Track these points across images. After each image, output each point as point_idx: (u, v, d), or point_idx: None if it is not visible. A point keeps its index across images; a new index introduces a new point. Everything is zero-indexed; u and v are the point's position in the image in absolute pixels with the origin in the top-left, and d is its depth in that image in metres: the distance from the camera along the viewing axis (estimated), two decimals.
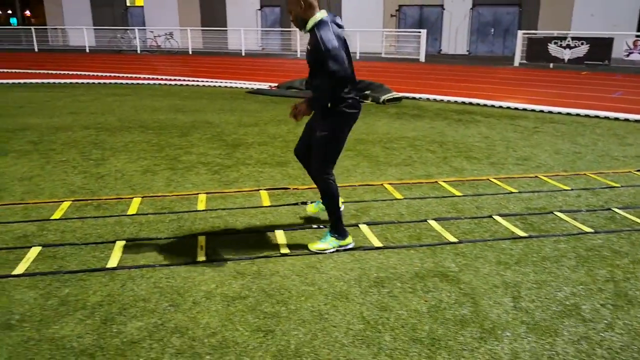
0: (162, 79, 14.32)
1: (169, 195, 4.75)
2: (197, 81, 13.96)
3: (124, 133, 7.38)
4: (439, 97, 11.06)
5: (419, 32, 21.20)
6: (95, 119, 8.41)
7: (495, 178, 5.41)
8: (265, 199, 4.67)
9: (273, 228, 4.02)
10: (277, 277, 3.24)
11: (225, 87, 13.20)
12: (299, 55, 22.41)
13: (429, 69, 17.63)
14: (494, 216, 4.34)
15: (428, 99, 10.99)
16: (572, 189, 5.07)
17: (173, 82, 13.80)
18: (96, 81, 13.96)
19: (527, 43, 18.91)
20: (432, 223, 4.17)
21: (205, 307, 2.89)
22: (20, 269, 3.31)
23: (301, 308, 2.90)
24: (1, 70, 16.30)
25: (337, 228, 3.64)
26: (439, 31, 25.60)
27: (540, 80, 14.59)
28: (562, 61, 18.17)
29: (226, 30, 26.99)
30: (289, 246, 3.68)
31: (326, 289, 3.11)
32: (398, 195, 4.78)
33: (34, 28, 26.24)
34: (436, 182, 5.24)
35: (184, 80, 14.20)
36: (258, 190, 4.90)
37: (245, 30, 24.71)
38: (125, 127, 7.77)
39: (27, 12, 62.41)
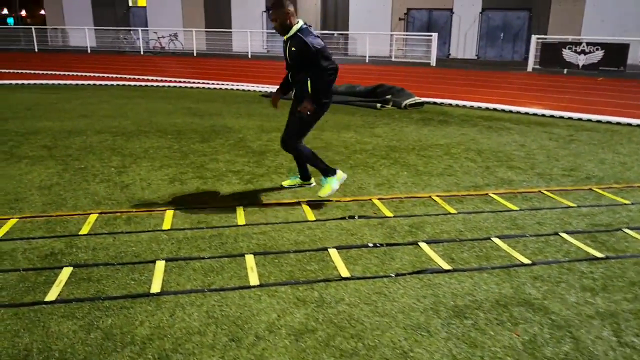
0: (170, 81, 13.94)
1: (203, 208, 4.38)
2: (208, 84, 13.59)
3: (141, 138, 7.00)
4: (460, 103, 10.72)
5: (430, 35, 20.88)
6: (109, 123, 8.03)
7: (547, 190, 5.06)
8: (308, 212, 4.30)
9: (324, 246, 3.65)
10: (344, 306, 2.87)
11: (238, 89, 12.84)
12: None
13: (442, 73, 17.30)
14: (560, 233, 3.99)
15: (450, 104, 10.65)
16: (632, 203, 4.73)
17: (182, 85, 13.43)
18: (102, 82, 13.57)
19: (540, 48, 18.62)
20: (497, 241, 3.81)
21: (271, 343, 2.53)
22: (53, 294, 2.94)
23: (380, 344, 2.54)
24: (2, 70, 15.89)
25: (327, 171, 4.47)
26: (447, 35, 25.29)
27: (559, 86, 14.28)
28: (577, 67, 17.86)
29: (231, 32, 26.62)
30: (348, 268, 3.32)
31: (402, 320, 2.75)
32: (451, 209, 4.42)
33: (34, 28, 25.79)
34: (487, 194, 4.88)
35: (194, 82, 13.83)
36: (299, 202, 4.53)
37: (251, 32, 24.35)
38: (141, 132, 7.40)
39: (23, 12, 61.98)
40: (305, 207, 4.42)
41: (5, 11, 71.95)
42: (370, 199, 4.65)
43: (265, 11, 28.33)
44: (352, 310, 2.83)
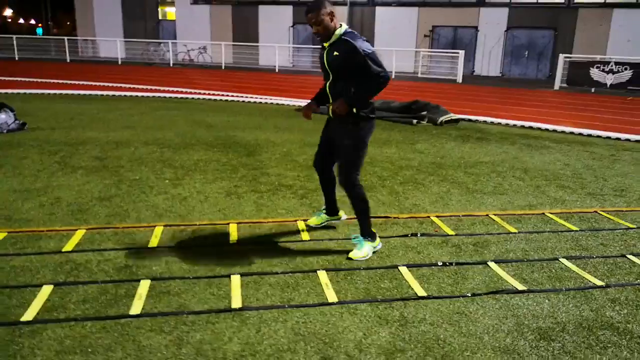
0: (204, 94, 14.13)
1: (265, 222, 4.41)
2: (241, 97, 13.74)
3: (188, 150, 7.09)
4: (495, 120, 10.69)
5: (457, 52, 20.91)
6: (154, 135, 8.15)
7: (602, 211, 5.01)
8: None
9: (394, 264, 3.65)
10: (427, 325, 2.87)
11: (271, 103, 12.96)
12: None
13: (470, 90, 17.28)
14: (627, 255, 3.94)
15: (485, 122, 10.62)
16: None
17: (217, 97, 13.59)
18: (137, 94, 13.80)
19: (567, 67, 18.53)
20: (565, 262, 3.78)
21: None
22: (137, 307, 2.97)
23: None
24: (39, 80, 16.25)
25: (369, 231, 3.81)
26: (472, 52, 25.30)
27: (590, 104, 14.17)
28: (604, 86, 17.74)
29: (259, 46, 26.94)
30: (422, 286, 3.31)
31: (489, 341, 2.73)
32: (511, 229, 4.40)
33: (67, 38, 26.38)
34: (543, 213, 4.85)
35: (227, 95, 13.99)
36: (357, 218, 4.54)
37: (279, 46, 24.63)
38: (187, 144, 7.49)
39: (50, 23, 63.49)
40: None
41: (32, 21, 73.83)
42: (428, 216, 4.65)
43: (292, 26, 28.67)
44: (437, 330, 2.82)
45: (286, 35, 28.73)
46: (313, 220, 4.32)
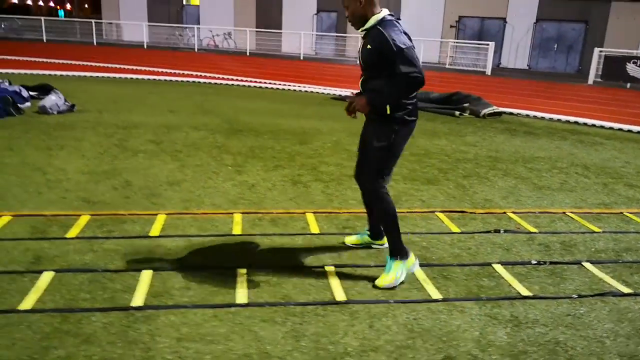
0: (236, 80, 14.04)
1: (340, 213, 4.34)
2: (273, 83, 13.64)
3: (239, 137, 7.03)
4: (537, 114, 10.50)
5: (487, 44, 20.61)
6: (200, 120, 8.10)
7: None
8: (449, 223, 4.23)
9: (486, 261, 3.57)
10: (542, 327, 2.79)
11: (306, 91, 12.85)
12: (356, 62, 21.94)
13: (501, 83, 17.04)
14: None
15: (527, 115, 10.45)
16: None
17: (249, 84, 13.50)
18: (172, 78, 13.75)
19: (601, 61, 18.20)
20: None
21: None
22: (242, 296, 2.93)
23: None
24: (70, 62, 16.25)
25: (400, 249, 3.19)
26: (499, 44, 24.91)
27: (629, 100, 13.91)
28: None
29: (284, 33, 26.74)
30: (523, 285, 3.23)
31: (612, 346, 2.65)
32: (594, 228, 4.30)
33: (94, 21, 26.34)
34: (621, 213, 4.74)
35: (258, 81, 13.88)
36: (433, 212, 4.47)
37: (304, 34, 24.43)
38: (236, 130, 7.43)
39: (68, 6, 63.61)
40: (443, 217, 4.36)
41: (51, 4, 73.98)
42: (504, 212, 4.55)
43: (316, 14, 28.41)
44: (554, 333, 2.74)
45: (310, 22, 28.48)
46: (351, 239, 3.71)
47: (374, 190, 3.21)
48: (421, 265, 3.44)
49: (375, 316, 2.81)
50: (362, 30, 3.13)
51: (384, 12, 3.08)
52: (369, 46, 3.06)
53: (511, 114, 10.56)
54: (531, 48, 24.78)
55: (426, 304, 2.97)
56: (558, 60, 24.59)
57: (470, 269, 3.44)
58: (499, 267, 3.46)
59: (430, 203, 4.72)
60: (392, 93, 3.00)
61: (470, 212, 4.52)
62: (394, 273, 3.15)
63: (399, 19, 3.10)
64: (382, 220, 3.30)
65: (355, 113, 3.14)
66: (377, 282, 3.15)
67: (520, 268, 3.49)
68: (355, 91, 3.47)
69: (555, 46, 24.44)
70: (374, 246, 3.67)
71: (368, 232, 3.68)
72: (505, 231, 4.11)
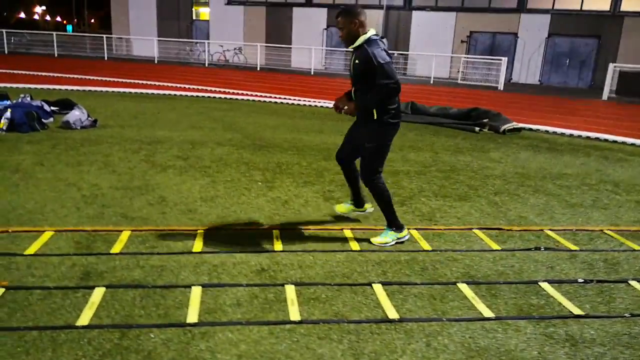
0: (251, 95, 14.13)
1: (377, 229, 4.33)
2: (288, 99, 13.71)
3: (264, 153, 7.06)
4: (557, 130, 10.49)
5: (499, 59, 20.69)
6: (223, 135, 8.14)
7: None
8: (487, 240, 4.21)
9: (531, 279, 3.55)
10: (600, 347, 2.76)
11: (321, 106, 12.90)
12: None
13: (515, 98, 17.05)
14: None
15: (547, 131, 10.44)
16: None
17: (265, 99, 13.58)
18: (187, 93, 13.85)
19: (615, 77, 18.22)
20: None
21: None
22: (294, 313, 2.92)
23: None
24: (84, 77, 16.42)
25: (395, 222, 4.01)
26: (510, 59, 24.99)
27: None
28: None
29: (295, 48, 26.94)
30: (574, 304, 3.20)
31: None
32: (634, 246, 4.26)
33: (105, 36, 26.68)
34: None
35: (273, 97, 13.96)
36: (470, 229, 4.45)
37: (314, 49, 24.61)
38: (260, 146, 7.46)
39: (75, 21, 64.54)
40: (481, 234, 4.34)
41: (58, 18, 75.08)
42: (542, 230, 4.53)
43: (325, 29, 28.65)
44: (613, 353, 2.71)
45: (319, 37, 28.70)
46: (340, 208, 4.51)
47: (373, 183, 3.96)
48: (467, 282, 3.43)
49: (430, 334, 2.79)
50: (352, 48, 3.78)
51: (371, 32, 3.75)
52: (357, 61, 3.74)
53: (530, 129, 10.55)
54: (543, 63, 24.83)
55: (480, 322, 2.95)
56: (570, 75, 24.61)
57: (517, 287, 3.42)
58: (546, 285, 3.44)
59: (466, 220, 4.70)
60: (373, 99, 3.70)
61: (508, 230, 4.50)
62: (386, 238, 3.99)
63: (383, 38, 3.84)
64: (381, 203, 4.01)
65: (342, 110, 3.88)
66: (372, 240, 4.01)
67: (568, 286, 3.46)
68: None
69: (567, 61, 24.48)
70: (356, 212, 4.45)
71: (352, 202, 4.43)
72: (546, 249, 4.09)
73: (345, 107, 3.85)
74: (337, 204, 4.64)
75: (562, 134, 10.21)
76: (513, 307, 3.15)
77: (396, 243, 3.99)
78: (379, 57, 3.59)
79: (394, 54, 25.94)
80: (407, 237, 4.06)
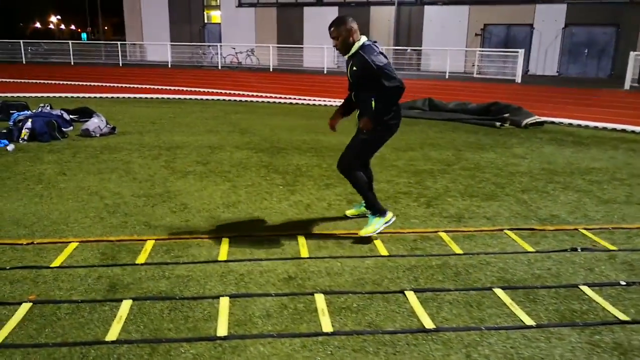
0: (266, 96, 14.07)
1: (405, 233, 4.22)
2: (303, 99, 13.63)
3: (283, 155, 6.98)
4: (580, 122, 10.23)
5: (515, 52, 20.35)
6: (240, 139, 8.08)
7: None
8: (520, 241, 4.07)
9: (570, 282, 3.40)
10: None
11: (337, 106, 12.75)
12: None
13: (534, 90, 16.74)
14: None
15: (570, 124, 10.19)
16: None
17: (279, 100, 13.51)
18: (202, 97, 13.84)
19: (637, 65, 17.80)
20: None
21: None
22: (326, 324, 2.83)
23: None
24: (100, 84, 16.51)
25: (377, 208, 4.06)
26: (526, 51, 24.57)
27: None
28: None
29: (307, 47, 26.85)
30: (618, 308, 3.06)
31: None
32: None
33: (120, 43, 26.87)
34: None
35: (288, 98, 13.88)
36: (501, 230, 4.31)
37: (327, 48, 24.46)
38: (279, 149, 7.38)
39: (89, 28, 65.28)
40: (513, 235, 4.20)
41: (72, 27, 76.11)
42: (576, 229, 4.37)
43: None
44: None
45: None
46: (351, 211, 4.56)
47: (350, 171, 4.04)
48: (503, 287, 3.30)
49: (470, 345, 2.67)
50: (348, 56, 3.91)
51: (363, 39, 3.87)
52: (354, 68, 3.86)
53: (553, 123, 10.32)
54: (560, 54, 24.38)
55: (520, 330, 2.82)
56: (589, 65, 24.11)
57: (556, 292, 3.28)
58: (586, 289, 3.29)
59: (495, 220, 4.56)
60: (385, 106, 3.83)
61: (540, 230, 4.35)
62: (373, 226, 3.99)
63: (375, 42, 3.90)
64: (359, 190, 4.11)
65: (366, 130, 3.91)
66: (360, 232, 3.99)
67: (610, 289, 3.31)
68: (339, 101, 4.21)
69: (586, 51, 23.99)
70: (368, 215, 4.24)
71: (363, 204, 4.38)
72: (583, 249, 3.93)
73: (362, 126, 3.91)
74: (347, 210, 4.62)
75: (587, 127, 9.96)
76: (554, 313, 3.01)
77: (385, 226, 4.03)
78: (377, 61, 3.72)
79: (407, 49, 25.81)
80: (393, 220, 4.12)
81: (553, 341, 2.72)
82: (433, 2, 26.60)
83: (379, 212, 4.05)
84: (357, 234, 4.03)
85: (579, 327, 2.86)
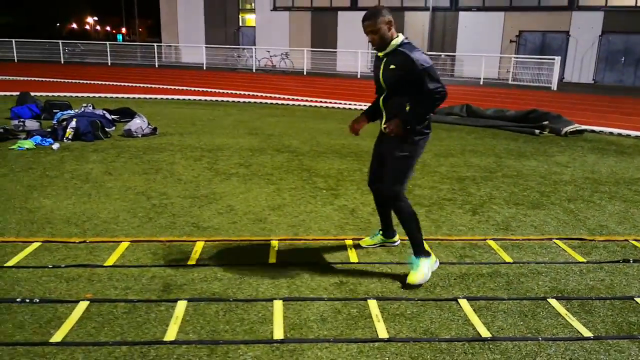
0: (302, 100, 14.16)
1: (452, 240, 4.19)
2: (340, 103, 13.68)
3: (323, 159, 7.02)
4: (622, 131, 10.00)
5: (552, 59, 19.99)
6: (280, 142, 8.16)
7: None
8: (570, 251, 4.00)
9: (624, 294, 3.33)
10: None
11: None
12: None
13: (571, 98, 16.42)
14: None
15: (611, 133, 9.97)
16: None
17: (314, 104, 13.58)
18: (239, 99, 14.01)
19: None
20: None
21: None
22: (381, 330, 2.83)
23: None
24: (138, 84, 16.87)
25: (423, 248, 3.48)
26: (562, 58, 24.10)
27: None
28: None
29: (342, 51, 26.91)
30: None
31: None
32: None
33: (156, 45, 27.40)
34: None
35: (324, 101, 13.94)
36: (550, 239, 4.25)
37: (361, 52, 24.50)
38: (319, 153, 7.42)
39: (124, 30, 66.76)
40: (562, 245, 4.13)
41: (107, 28, 78.01)
42: (626, 240, 4.28)
43: None
44: None
45: (364, 40, 28.49)
46: (367, 241, 3.99)
47: (396, 198, 3.47)
48: (557, 297, 3.25)
49: (528, 355, 2.65)
50: (382, 54, 3.39)
51: (402, 37, 3.38)
52: (392, 66, 3.32)
53: (593, 131, 10.11)
54: (597, 62, 23.86)
55: (578, 342, 2.77)
56: (626, 73, 23.53)
57: (611, 303, 3.21)
58: None
59: (543, 229, 4.50)
60: (424, 110, 3.32)
61: (590, 240, 4.27)
62: (422, 270, 3.39)
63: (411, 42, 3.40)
64: (406, 225, 3.50)
65: (392, 135, 3.36)
66: (409, 279, 3.36)
67: None
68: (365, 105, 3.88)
69: (623, 59, 23.43)
70: (387, 245, 3.96)
71: (381, 232, 3.96)
72: (635, 261, 3.85)
73: (392, 130, 3.32)
74: (361, 240, 4.04)
75: (628, 136, 9.73)
76: (611, 325, 2.96)
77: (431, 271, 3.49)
78: (422, 60, 3.23)
79: (440, 55, 25.62)
80: (437, 264, 3.57)
81: (612, 353, 2.67)
82: (468, 8, 26.36)
83: (423, 253, 3.46)
84: (405, 281, 3.40)
85: (638, 339, 2.80)
